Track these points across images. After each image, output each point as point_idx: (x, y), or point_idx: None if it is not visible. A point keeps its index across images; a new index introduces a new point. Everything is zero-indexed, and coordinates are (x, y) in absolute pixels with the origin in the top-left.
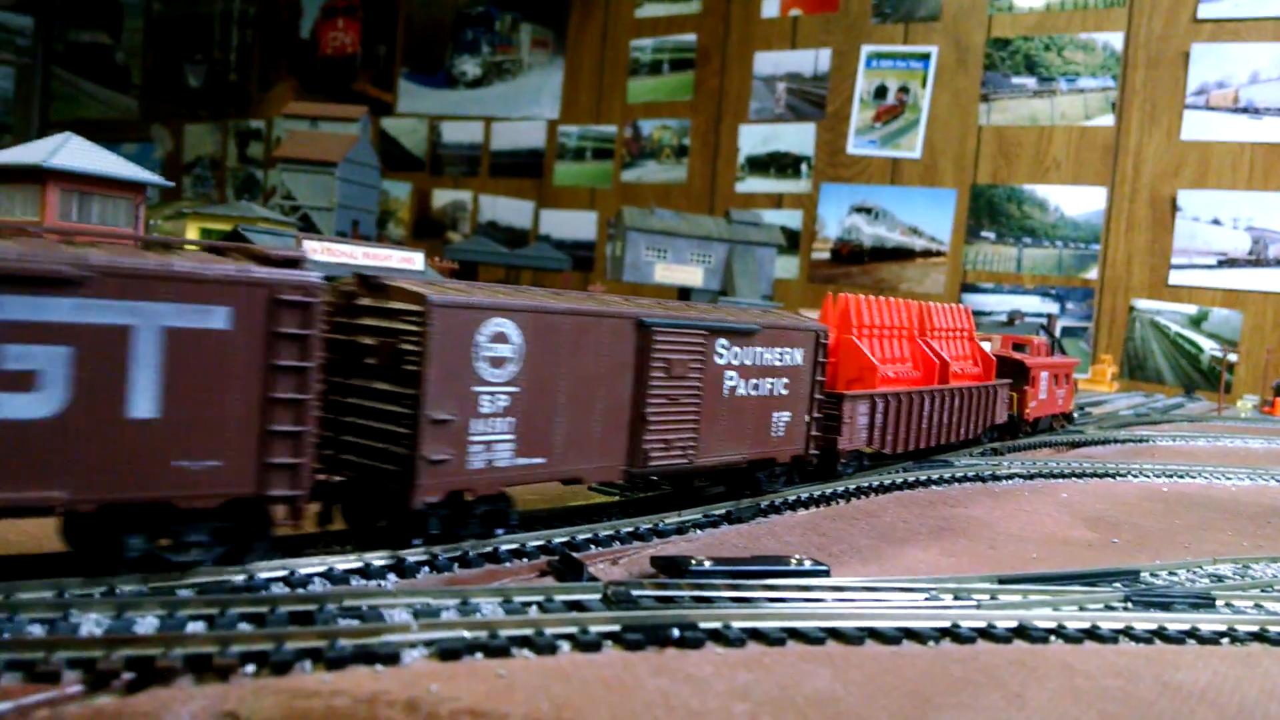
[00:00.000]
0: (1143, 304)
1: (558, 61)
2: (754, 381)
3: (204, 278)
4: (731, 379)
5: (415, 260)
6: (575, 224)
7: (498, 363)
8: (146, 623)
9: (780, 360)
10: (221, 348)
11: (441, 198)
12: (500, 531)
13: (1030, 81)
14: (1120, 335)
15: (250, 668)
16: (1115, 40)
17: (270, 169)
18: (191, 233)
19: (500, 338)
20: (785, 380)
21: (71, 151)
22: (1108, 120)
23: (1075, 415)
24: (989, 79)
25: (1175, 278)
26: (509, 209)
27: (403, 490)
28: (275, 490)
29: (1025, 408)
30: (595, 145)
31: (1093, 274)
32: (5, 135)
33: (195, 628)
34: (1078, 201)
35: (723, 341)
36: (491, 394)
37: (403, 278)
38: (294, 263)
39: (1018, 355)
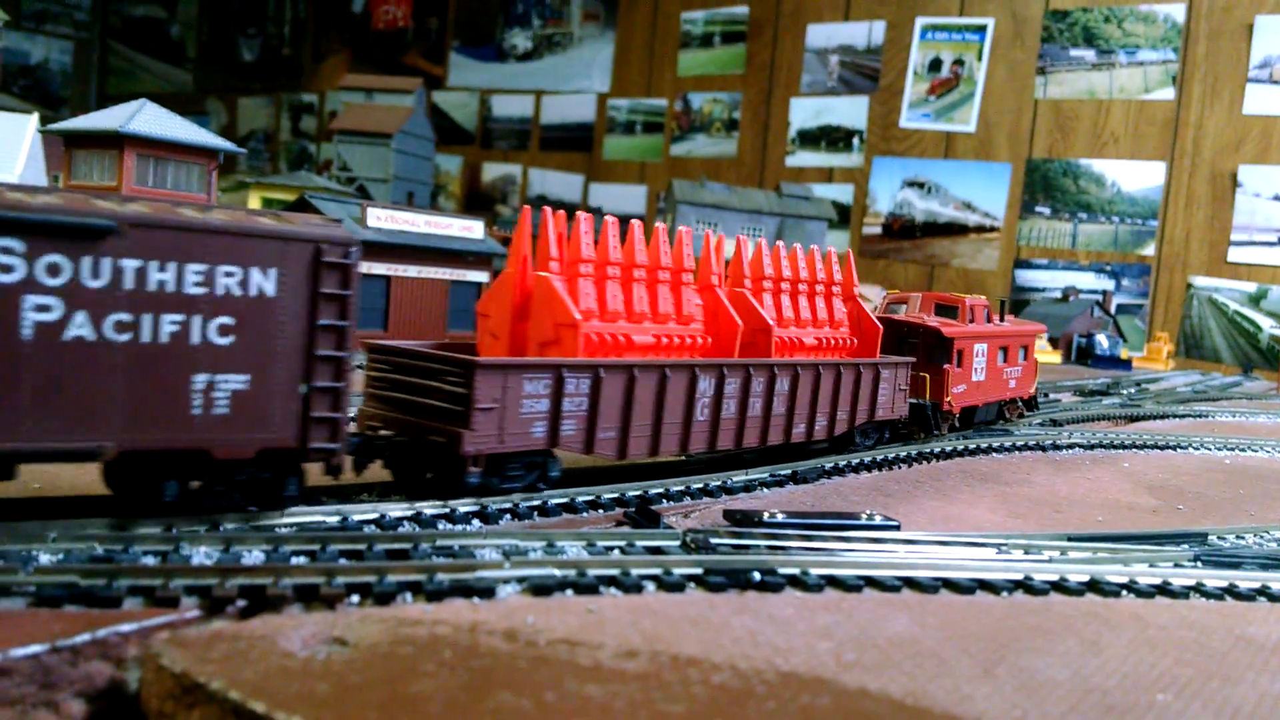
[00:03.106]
0: (1201, 281)
1: (608, 34)
2: (121, 318)
3: None
4: (46, 310)
5: (475, 229)
6: (625, 198)
7: None
8: (253, 556)
9: (207, 287)
10: None
11: (491, 171)
12: None
13: (1089, 54)
14: (1177, 313)
15: (355, 598)
16: (1177, 12)
17: (324, 142)
18: (254, 202)
19: None
20: (226, 321)
21: (147, 117)
22: (1168, 94)
23: (1039, 400)
24: (1046, 51)
25: (1235, 255)
26: (559, 182)
27: None
28: None
29: (946, 394)
30: (645, 119)
31: (1150, 250)
32: (63, 108)
33: (298, 562)
34: (1136, 176)
35: (8, 243)
36: None
37: None
38: None
39: (933, 322)
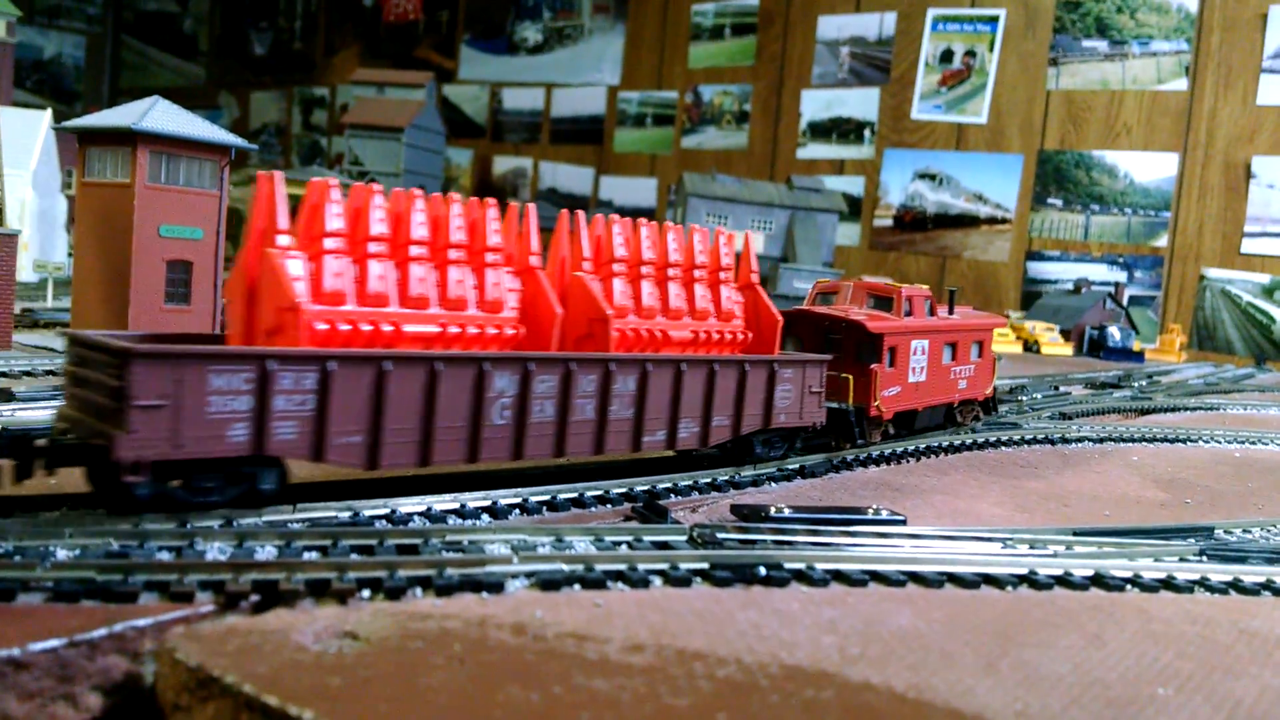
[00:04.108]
0: (1213, 273)
1: (619, 27)
2: None
3: None
4: None
5: None
6: (635, 190)
7: None
8: (266, 551)
9: None
10: None
11: (502, 164)
12: None
13: (1101, 44)
14: (1189, 305)
15: (366, 593)
16: (1190, 2)
17: (335, 135)
18: None
19: None
20: None
21: (160, 115)
22: (1181, 84)
23: (997, 405)
24: (1058, 42)
25: (1248, 246)
26: (569, 175)
27: None
28: None
29: (874, 397)
30: (656, 111)
31: (1162, 242)
32: (77, 103)
33: (310, 557)
34: (1148, 168)
35: None
36: None
37: None
38: None
39: (858, 315)
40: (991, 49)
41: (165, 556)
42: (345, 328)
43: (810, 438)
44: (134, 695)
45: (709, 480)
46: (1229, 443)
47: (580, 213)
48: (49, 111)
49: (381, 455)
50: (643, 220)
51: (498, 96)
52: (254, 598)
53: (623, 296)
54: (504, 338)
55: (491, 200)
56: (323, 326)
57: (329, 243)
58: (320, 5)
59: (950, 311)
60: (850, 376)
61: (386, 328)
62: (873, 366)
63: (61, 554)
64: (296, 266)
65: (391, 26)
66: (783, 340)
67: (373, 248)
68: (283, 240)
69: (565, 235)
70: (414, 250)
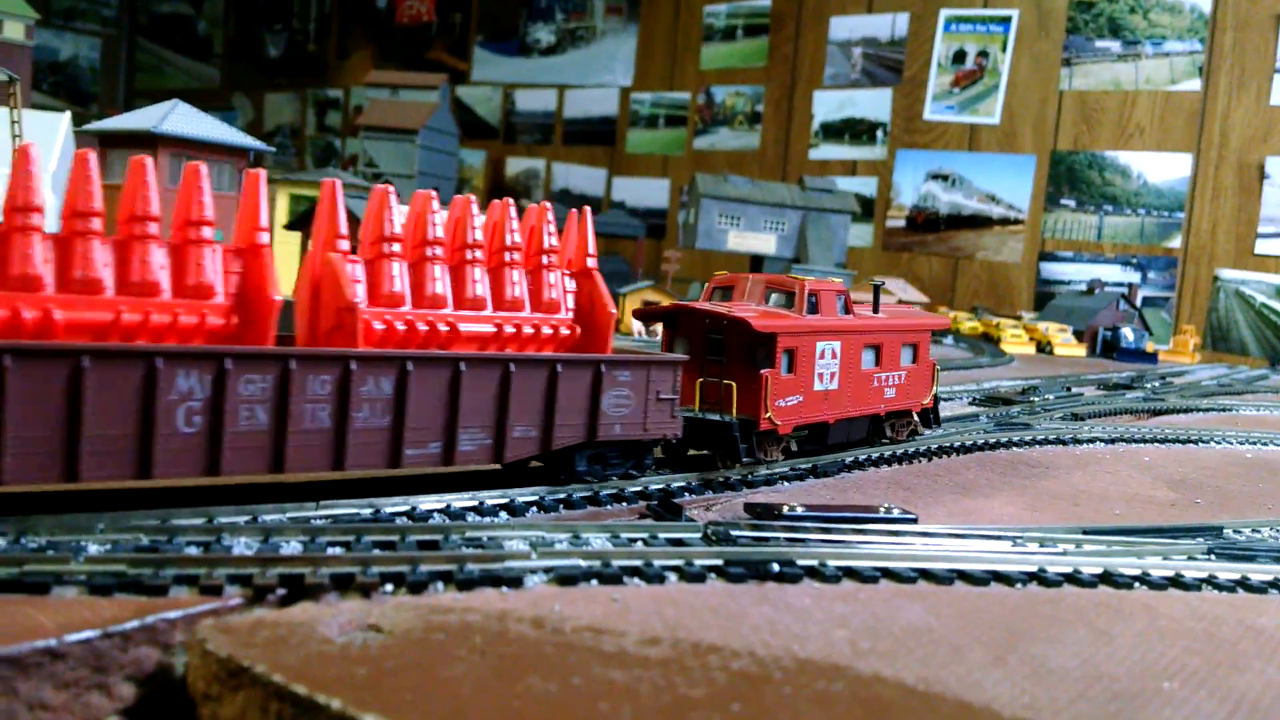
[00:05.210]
0: (1227, 274)
1: (631, 28)
2: None
3: None
4: None
5: None
6: (648, 191)
7: None
8: (291, 546)
9: None
10: None
11: (515, 166)
12: None
13: (1114, 45)
14: (1203, 306)
15: (389, 587)
16: (1203, 2)
17: (349, 137)
18: (281, 199)
19: None
20: None
21: (179, 117)
22: (1194, 85)
23: (939, 416)
24: (1071, 42)
25: (1262, 247)
26: (582, 176)
27: None
28: None
29: (765, 408)
30: (668, 112)
31: (1176, 243)
32: (93, 104)
33: (334, 552)
34: (1162, 168)
35: None
36: None
37: None
38: None
39: (744, 312)
40: (1004, 49)
41: (194, 551)
42: None
43: (679, 455)
44: (165, 685)
45: (722, 480)
46: (1241, 444)
47: (338, 181)
48: (68, 114)
49: (2, 469)
50: (432, 192)
51: (510, 98)
52: (280, 591)
53: (398, 282)
54: (207, 329)
55: (202, 165)
56: None
57: None
58: (333, 7)
59: (875, 309)
60: (733, 383)
61: (30, 314)
62: (763, 372)
63: (93, 549)
64: None
65: (404, 28)
66: (670, 342)
67: (25, 220)
68: None
69: (325, 209)
70: (85, 224)
